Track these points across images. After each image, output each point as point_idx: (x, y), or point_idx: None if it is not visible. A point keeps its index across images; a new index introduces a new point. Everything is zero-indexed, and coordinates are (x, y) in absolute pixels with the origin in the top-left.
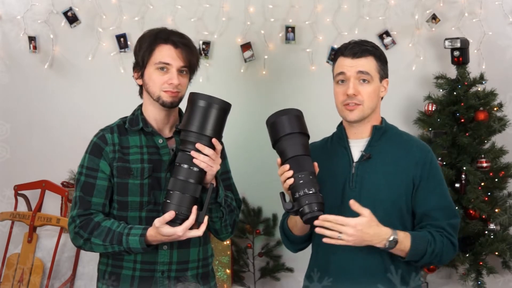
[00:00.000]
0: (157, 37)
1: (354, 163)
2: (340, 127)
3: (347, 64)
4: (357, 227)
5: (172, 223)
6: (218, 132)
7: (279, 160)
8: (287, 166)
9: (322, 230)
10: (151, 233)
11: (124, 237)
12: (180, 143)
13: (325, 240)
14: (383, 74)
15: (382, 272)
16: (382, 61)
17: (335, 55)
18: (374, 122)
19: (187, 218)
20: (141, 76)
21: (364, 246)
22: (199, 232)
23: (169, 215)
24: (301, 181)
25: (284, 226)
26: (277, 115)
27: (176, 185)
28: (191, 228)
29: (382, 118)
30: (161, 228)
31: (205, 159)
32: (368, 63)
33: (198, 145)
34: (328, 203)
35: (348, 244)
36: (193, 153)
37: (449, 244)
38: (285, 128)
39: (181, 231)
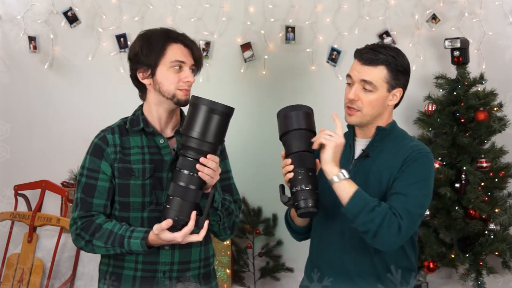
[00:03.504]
0: (167, 36)
1: (353, 160)
2: (350, 125)
3: (356, 69)
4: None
5: (172, 228)
6: (219, 138)
7: (283, 153)
8: (289, 160)
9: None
10: (152, 237)
11: (126, 240)
12: (181, 147)
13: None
14: (395, 84)
15: (377, 268)
16: (396, 71)
17: (355, 54)
18: (380, 124)
19: (187, 224)
20: (151, 76)
21: (352, 241)
22: (199, 237)
23: (166, 223)
24: (300, 177)
25: (287, 216)
26: (288, 109)
27: (176, 191)
28: (192, 233)
29: (393, 120)
30: (160, 235)
31: (209, 172)
32: (376, 73)
33: (203, 160)
34: (326, 195)
35: (327, 143)
36: (198, 166)
37: (393, 222)
38: (293, 123)
39: (180, 237)
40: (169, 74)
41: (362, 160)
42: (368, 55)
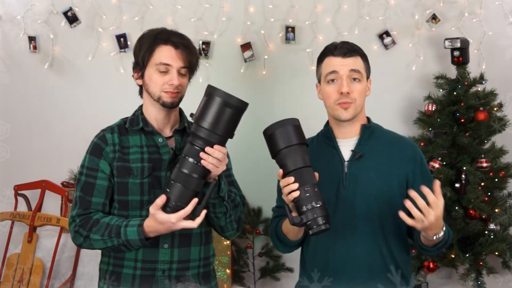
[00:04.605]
0: (157, 37)
1: (345, 162)
2: (327, 127)
3: (339, 63)
4: (442, 210)
5: (170, 212)
6: (230, 131)
7: (280, 171)
8: (291, 179)
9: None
10: (148, 223)
11: (122, 229)
12: (190, 134)
13: (403, 216)
14: (368, 73)
15: (382, 272)
16: (367, 61)
17: (321, 55)
18: (361, 121)
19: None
20: (141, 77)
21: (363, 245)
22: (193, 224)
23: (161, 199)
24: (308, 194)
25: (277, 231)
26: (274, 127)
27: (179, 177)
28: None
29: (367, 117)
30: (156, 215)
31: (213, 161)
32: (358, 62)
33: (208, 149)
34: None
35: (423, 226)
36: (202, 154)
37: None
38: (284, 141)
39: (175, 218)
40: (155, 76)
41: (356, 161)
42: (345, 48)
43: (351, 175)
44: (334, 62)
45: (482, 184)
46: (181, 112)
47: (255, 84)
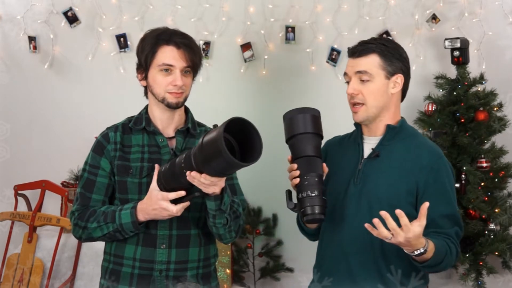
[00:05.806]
0: (159, 38)
1: (362, 160)
2: (357, 123)
3: (349, 65)
4: (416, 234)
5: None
6: (223, 174)
7: (290, 156)
8: (295, 166)
9: (378, 222)
10: (141, 204)
11: (117, 213)
12: (197, 147)
13: (370, 229)
14: (392, 70)
15: (382, 272)
16: (389, 56)
17: (347, 53)
18: (388, 121)
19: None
20: (145, 78)
21: (359, 243)
22: (173, 208)
23: (156, 170)
24: (306, 183)
25: (299, 219)
26: (295, 112)
27: (172, 170)
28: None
29: (402, 118)
30: (152, 183)
31: (198, 183)
32: (368, 62)
33: (194, 174)
34: (333, 195)
35: (390, 242)
36: (188, 173)
37: (454, 253)
38: (300, 127)
39: (161, 195)
40: (158, 77)
41: (372, 159)
42: (357, 48)
43: (363, 173)
44: (347, 63)
45: (482, 184)
46: (187, 111)
47: (255, 84)
